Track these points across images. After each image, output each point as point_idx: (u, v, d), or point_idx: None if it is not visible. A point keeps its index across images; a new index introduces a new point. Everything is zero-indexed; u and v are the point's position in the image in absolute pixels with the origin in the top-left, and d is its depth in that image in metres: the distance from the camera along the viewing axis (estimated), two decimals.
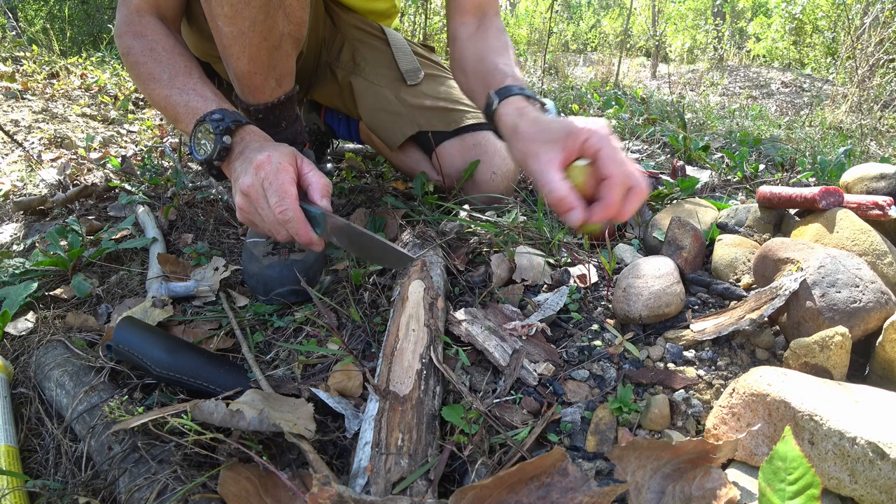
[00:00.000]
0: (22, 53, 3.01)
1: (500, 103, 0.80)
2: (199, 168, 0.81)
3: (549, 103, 0.88)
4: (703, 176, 1.54)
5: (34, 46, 3.18)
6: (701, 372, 0.71)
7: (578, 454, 0.60)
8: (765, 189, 0.99)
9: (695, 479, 0.51)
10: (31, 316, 0.88)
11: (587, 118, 0.69)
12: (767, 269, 0.80)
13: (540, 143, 0.70)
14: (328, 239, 0.75)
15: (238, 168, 0.75)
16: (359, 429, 0.62)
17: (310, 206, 0.73)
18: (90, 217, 1.27)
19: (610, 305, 0.87)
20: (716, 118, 2.93)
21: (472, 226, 1.06)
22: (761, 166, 1.73)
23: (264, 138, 0.80)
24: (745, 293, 0.81)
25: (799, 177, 1.56)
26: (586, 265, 0.95)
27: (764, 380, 0.56)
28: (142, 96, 2.52)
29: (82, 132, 1.91)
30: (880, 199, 0.86)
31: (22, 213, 1.28)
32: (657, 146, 2.15)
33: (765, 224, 1.00)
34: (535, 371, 0.71)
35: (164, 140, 1.93)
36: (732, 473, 0.56)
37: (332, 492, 0.45)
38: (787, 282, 0.73)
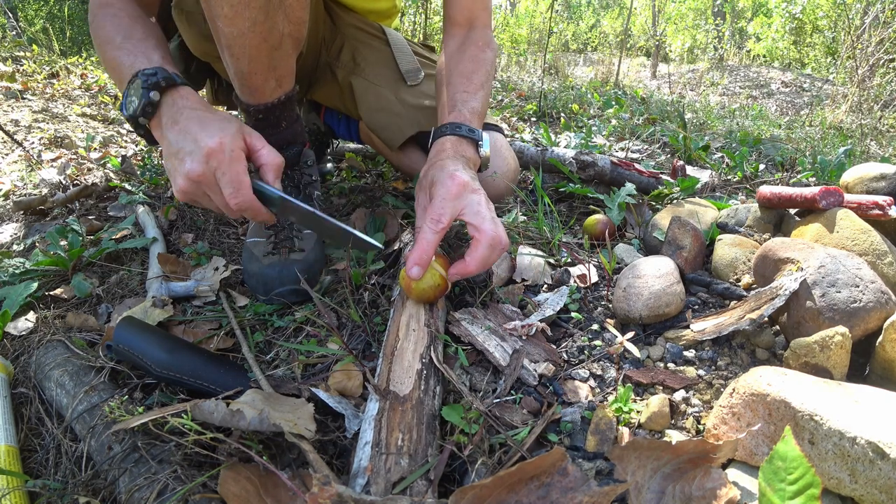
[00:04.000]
0: (22, 53, 3.01)
1: (433, 142, 0.93)
2: (129, 126, 0.80)
3: (484, 142, 0.94)
4: (703, 176, 1.53)
5: (34, 46, 3.19)
6: (701, 372, 0.71)
7: (578, 454, 0.60)
8: (765, 189, 0.99)
9: (695, 479, 0.51)
10: (31, 316, 0.88)
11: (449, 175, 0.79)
12: (767, 268, 0.80)
13: (423, 190, 0.82)
14: (283, 219, 0.77)
15: (176, 142, 0.71)
16: (359, 429, 0.62)
17: (266, 187, 0.74)
18: (90, 217, 1.27)
19: (610, 305, 0.87)
20: (716, 118, 2.93)
21: None
22: (761, 166, 1.73)
23: (201, 104, 0.76)
24: (745, 293, 0.81)
25: (799, 177, 1.56)
26: (586, 265, 0.95)
27: (764, 380, 0.56)
28: None
29: (82, 132, 1.91)
30: (880, 199, 0.86)
31: (22, 213, 1.28)
32: (657, 146, 2.15)
33: (765, 224, 1.00)
34: (535, 371, 0.71)
35: None
36: (732, 473, 0.56)
37: (332, 492, 0.45)
38: (787, 282, 0.73)
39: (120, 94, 2.08)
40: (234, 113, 1.31)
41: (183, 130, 0.71)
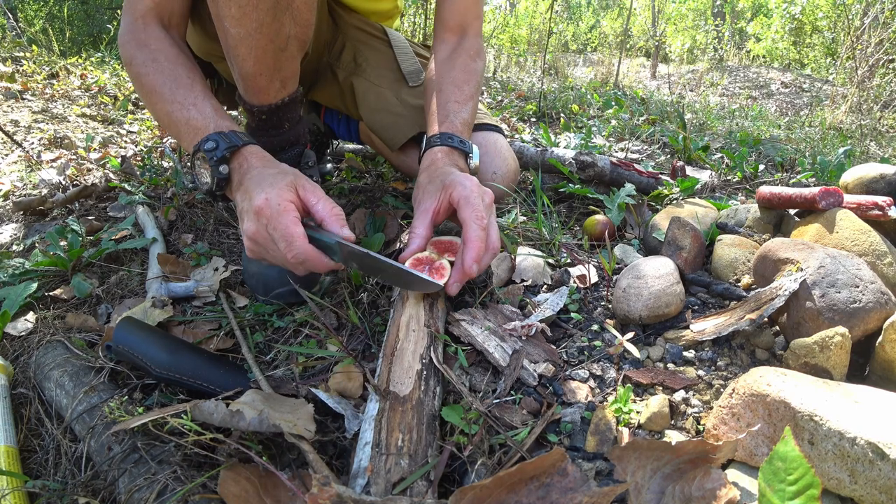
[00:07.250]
0: (22, 53, 3.01)
1: (425, 151, 0.93)
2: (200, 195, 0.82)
3: (475, 152, 0.95)
4: (703, 176, 1.54)
5: (34, 46, 3.18)
6: (701, 372, 0.71)
7: (578, 454, 0.60)
8: (765, 189, 0.99)
9: (695, 479, 0.51)
10: (31, 316, 0.88)
11: (466, 176, 0.80)
12: (767, 269, 0.80)
13: (425, 193, 0.83)
14: (347, 266, 0.74)
15: (240, 203, 0.74)
16: (359, 429, 0.62)
17: (323, 234, 0.72)
18: (90, 217, 1.27)
19: (610, 305, 0.87)
20: (716, 118, 2.93)
21: None
22: (761, 166, 1.73)
23: (262, 161, 0.78)
24: (745, 293, 0.81)
25: (799, 177, 1.56)
26: (586, 265, 0.95)
27: (764, 380, 0.56)
28: None
29: (82, 132, 1.91)
30: (880, 200, 0.86)
31: (22, 213, 1.28)
32: (657, 146, 2.15)
33: (765, 224, 1.00)
34: (535, 371, 0.71)
35: (164, 140, 1.93)
36: (732, 473, 0.56)
37: (331, 492, 0.45)
38: (786, 282, 0.73)
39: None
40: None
41: (244, 191, 0.74)
